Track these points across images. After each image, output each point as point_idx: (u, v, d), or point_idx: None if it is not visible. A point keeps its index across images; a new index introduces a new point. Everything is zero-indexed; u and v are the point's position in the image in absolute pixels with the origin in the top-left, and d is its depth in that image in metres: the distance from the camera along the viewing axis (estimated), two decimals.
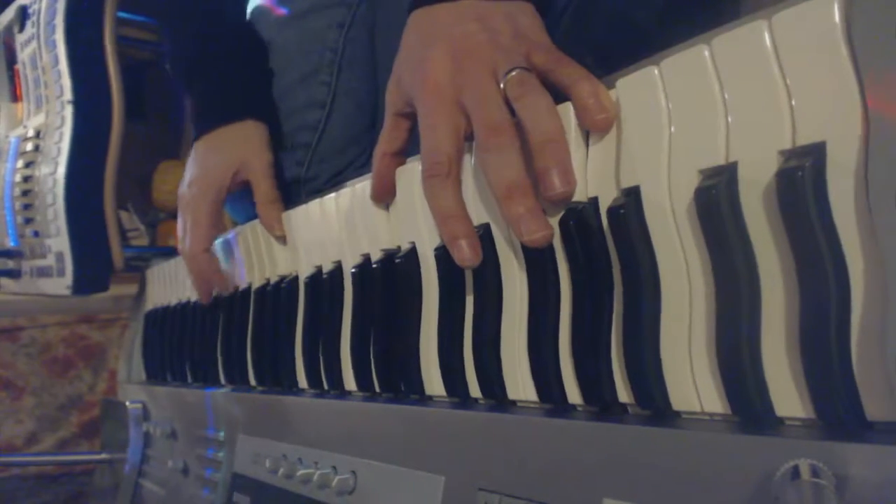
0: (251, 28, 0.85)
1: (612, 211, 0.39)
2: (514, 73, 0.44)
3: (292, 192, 0.77)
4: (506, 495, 0.40)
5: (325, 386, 0.62)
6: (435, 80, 0.47)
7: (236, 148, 0.78)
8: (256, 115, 0.79)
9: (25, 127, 1.18)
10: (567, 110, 0.42)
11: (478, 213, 0.47)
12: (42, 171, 1.10)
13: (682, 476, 0.32)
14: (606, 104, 0.40)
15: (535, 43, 0.47)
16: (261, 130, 0.78)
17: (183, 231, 0.81)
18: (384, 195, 0.55)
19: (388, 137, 0.54)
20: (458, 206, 0.47)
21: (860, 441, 0.28)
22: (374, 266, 0.55)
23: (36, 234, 1.12)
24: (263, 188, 0.75)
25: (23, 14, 1.17)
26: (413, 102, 0.50)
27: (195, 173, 0.79)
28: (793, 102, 0.32)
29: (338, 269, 0.61)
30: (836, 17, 0.30)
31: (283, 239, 0.70)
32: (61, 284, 1.08)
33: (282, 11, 0.77)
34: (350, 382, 0.58)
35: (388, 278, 0.54)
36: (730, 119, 0.34)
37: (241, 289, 0.77)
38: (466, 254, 0.45)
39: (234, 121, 0.78)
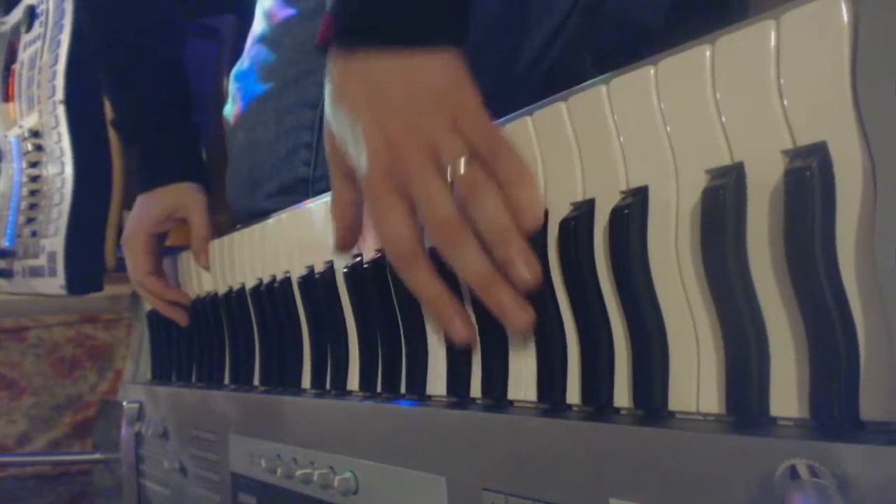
0: (186, 78, 0.97)
1: (616, 211, 0.39)
2: (459, 168, 0.44)
3: (299, 193, 0.77)
4: (511, 495, 0.40)
5: (328, 386, 0.62)
6: (375, 169, 0.47)
7: (173, 195, 0.91)
8: (189, 178, 0.93)
9: (21, 127, 1.18)
10: (561, 112, 0.42)
11: None
12: (50, 170, 1.11)
13: (686, 476, 0.32)
14: (537, 205, 0.43)
15: (464, 109, 0.46)
16: (194, 187, 0.92)
17: (128, 265, 0.93)
18: (351, 244, 0.55)
19: (344, 191, 0.52)
20: (436, 285, 0.47)
21: (854, 441, 0.28)
22: (366, 266, 0.55)
23: (33, 233, 1.13)
24: (197, 224, 0.89)
25: (31, 14, 1.17)
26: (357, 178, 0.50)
27: (132, 217, 0.93)
28: (794, 103, 0.32)
29: (332, 270, 0.61)
30: (845, 18, 0.30)
31: (206, 269, 0.86)
32: (55, 284, 1.08)
33: (290, 12, 0.78)
34: (353, 382, 0.58)
35: (380, 278, 0.54)
36: (732, 119, 0.34)
37: (235, 290, 0.77)
38: (462, 332, 0.46)
39: (169, 183, 0.92)
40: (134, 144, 0.97)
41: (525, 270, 0.42)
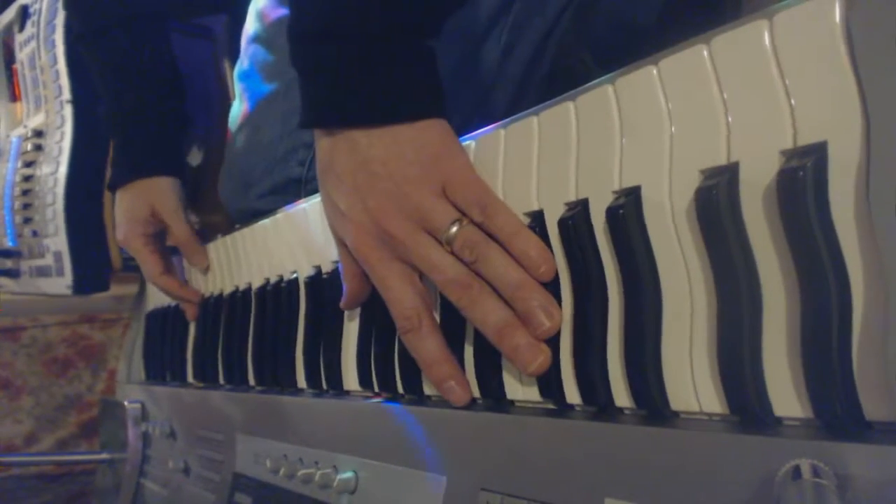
0: (171, 70, 0.93)
1: (611, 211, 0.39)
2: (453, 233, 0.44)
3: (291, 192, 0.77)
4: (508, 495, 0.40)
5: (324, 386, 0.62)
6: (358, 240, 0.48)
7: (146, 194, 0.88)
8: (165, 172, 0.89)
9: (26, 127, 1.18)
10: (569, 112, 0.42)
11: None
12: (43, 170, 1.10)
13: (684, 476, 0.32)
14: (545, 254, 0.42)
15: (453, 174, 0.46)
16: (167, 184, 0.88)
17: (139, 266, 0.91)
18: (356, 307, 0.57)
19: (345, 262, 0.53)
20: (439, 351, 0.47)
21: (860, 441, 0.28)
22: None
23: (34, 233, 1.12)
24: (176, 231, 0.87)
25: (24, 13, 1.17)
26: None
27: (119, 218, 0.89)
28: (793, 102, 0.32)
29: (335, 272, 0.61)
30: (837, 17, 0.30)
31: (206, 270, 0.85)
32: (61, 284, 1.08)
33: (282, 12, 0.77)
34: (350, 382, 0.58)
35: None
36: (730, 119, 0.34)
37: (241, 289, 0.77)
38: (458, 394, 0.46)
39: (145, 177, 0.88)
40: (114, 133, 0.94)
41: (547, 320, 0.42)
